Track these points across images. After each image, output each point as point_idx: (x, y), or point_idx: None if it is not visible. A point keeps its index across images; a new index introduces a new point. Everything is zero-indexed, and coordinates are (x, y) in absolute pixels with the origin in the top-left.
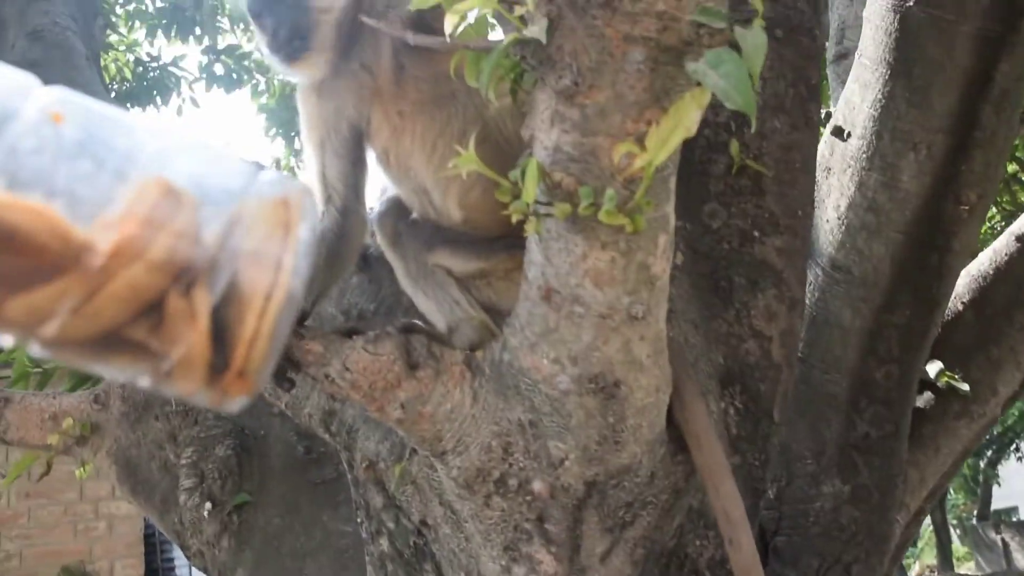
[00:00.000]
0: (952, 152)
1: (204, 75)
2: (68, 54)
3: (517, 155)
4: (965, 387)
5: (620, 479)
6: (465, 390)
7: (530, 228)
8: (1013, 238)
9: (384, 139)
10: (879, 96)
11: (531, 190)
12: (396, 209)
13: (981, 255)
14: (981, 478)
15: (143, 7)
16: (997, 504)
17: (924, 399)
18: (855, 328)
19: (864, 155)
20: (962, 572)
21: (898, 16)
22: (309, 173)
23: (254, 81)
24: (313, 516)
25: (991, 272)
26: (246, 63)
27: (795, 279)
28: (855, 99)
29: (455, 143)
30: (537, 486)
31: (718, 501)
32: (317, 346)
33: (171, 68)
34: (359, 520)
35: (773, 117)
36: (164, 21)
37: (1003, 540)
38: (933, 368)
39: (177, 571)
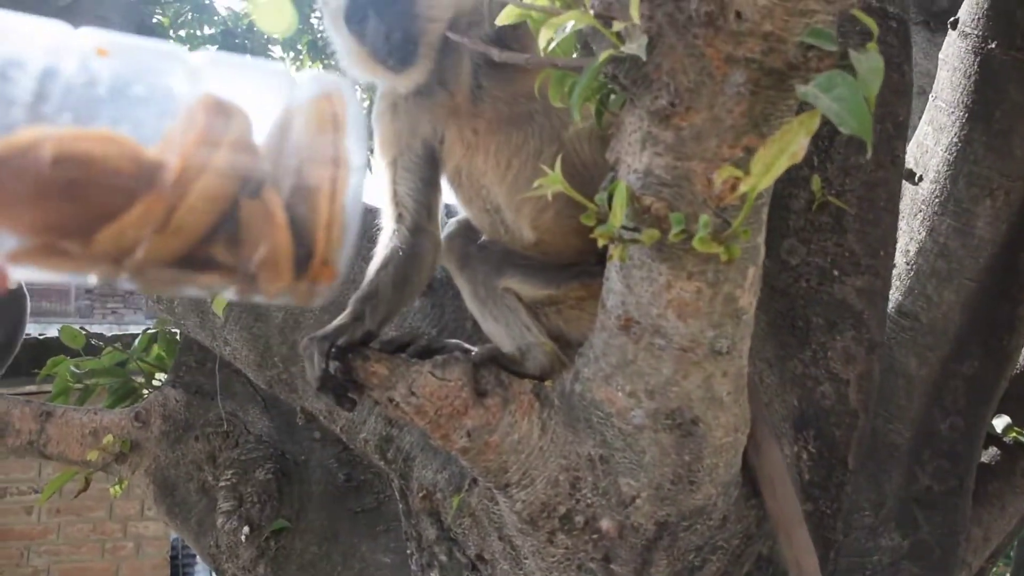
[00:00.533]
0: None
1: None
2: None
3: (593, 179)
4: None
5: (692, 521)
6: (534, 421)
7: (616, 254)
8: None
9: (457, 157)
10: (955, 139)
11: (619, 214)
12: (465, 231)
13: None
14: (1016, 540)
15: (195, 32)
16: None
17: (990, 454)
18: (920, 377)
19: (937, 199)
20: None
21: (979, 59)
22: (381, 194)
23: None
24: (352, 545)
25: None
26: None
27: (875, 321)
28: (928, 142)
29: (531, 162)
30: (605, 524)
31: (790, 551)
32: (383, 368)
33: None
34: (409, 552)
35: (858, 153)
36: (216, 47)
37: None
38: (1001, 422)
39: None
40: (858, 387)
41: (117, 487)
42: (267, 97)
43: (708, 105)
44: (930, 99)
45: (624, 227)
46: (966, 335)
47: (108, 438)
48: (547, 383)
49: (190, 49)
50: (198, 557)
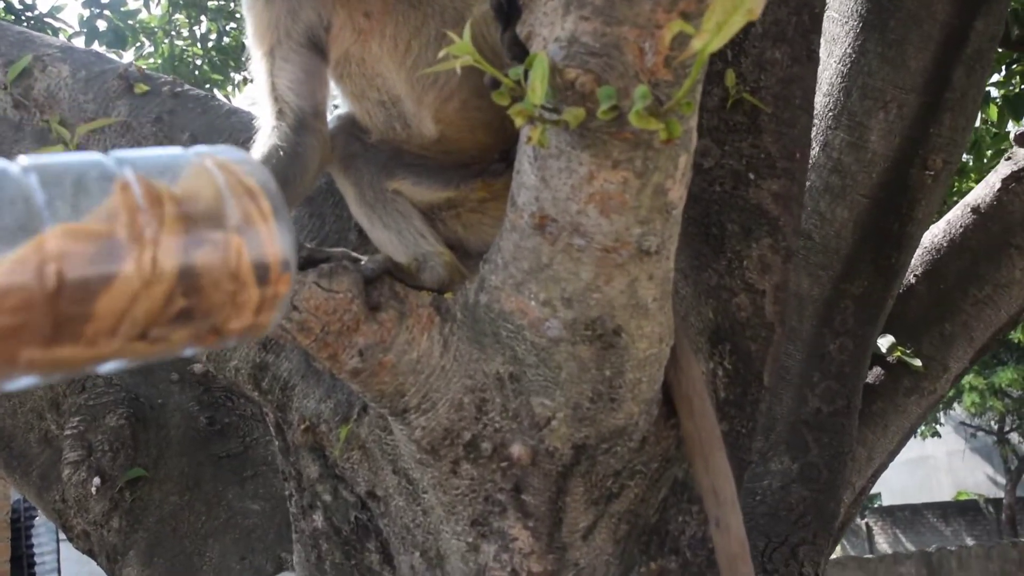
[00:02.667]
0: (922, 113)
1: (85, 29)
2: None
3: (503, 68)
4: (918, 363)
5: (612, 443)
6: (434, 337)
7: (534, 136)
8: (968, 209)
9: (347, 43)
10: (849, 51)
11: (539, 88)
12: (349, 127)
13: (934, 226)
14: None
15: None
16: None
17: (874, 374)
18: (812, 297)
19: (830, 113)
20: (832, 555)
21: None
22: (258, 89)
23: (138, 44)
24: (216, 493)
25: (945, 244)
26: (132, 22)
27: (791, 228)
28: (821, 54)
29: (433, 46)
30: (516, 450)
31: (707, 476)
32: None
33: (48, 19)
34: (288, 493)
35: (773, 47)
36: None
37: (867, 525)
38: (885, 342)
39: (38, 559)
40: (774, 298)
41: None
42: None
43: None
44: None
45: (544, 107)
46: (857, 254)
47: None
48: (448, 295)
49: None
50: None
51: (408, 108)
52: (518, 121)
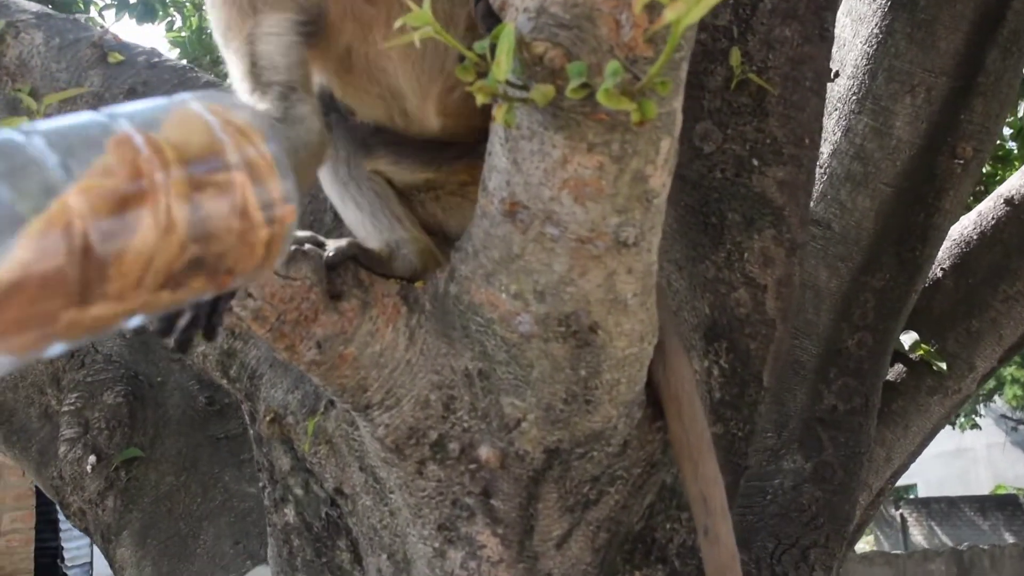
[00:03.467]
0: (952, 98)
1: (115, 1)
2: None
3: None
4: (943, 364)
5: (588, 448)
6: (399, 329)
7: (499, 116)
8: (1001, 200)
9: (347, 36)
10: (875, 31)
11: (504, 63)
12: (327, 100)
13: (964, 218)
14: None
15: None
16: (898, 481)
17: (895, 372)
18: (830, 290)
19: (854, 97)
20: (861, 548)
21: None
22: (233, 78)
23: (170, 18)
24: (213, 475)
25: (975, 237)
26: None
27: (796, 219)
28: (846, 34)
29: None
30: (484, 452)
31: (695, 483)
32: None
33: None
34: (261, 484)
35: (783, 24)
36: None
37: (902, 516)
38: (908, 339)
39: (67, 553)
40: (776, 293)
41: None
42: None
43: None
44: None
45: (510, 83)
46: (879, 245)
47: None
48: (418, 284)
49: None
50: None
51: (411, 102)
52: (479, 98)
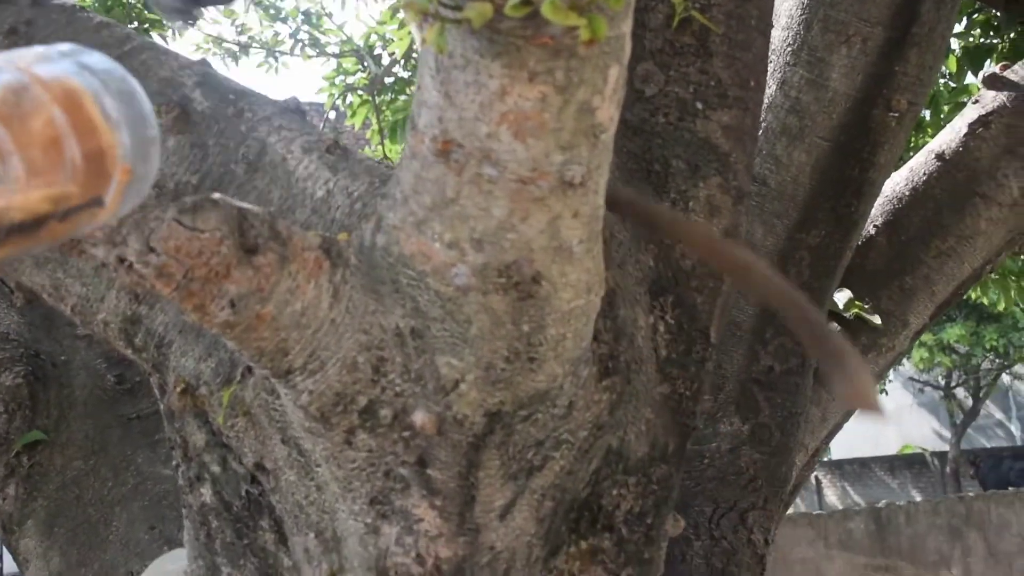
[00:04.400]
0: (887, 49)
1: None
2: None
3: None
4: (877, 320)
5: (532, 410)
6: (322, 285)
7: (430, 39)
8: (933, 156)
9: None
10: None
11: None
12: None
13: (896, 174)
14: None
15: None
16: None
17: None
18: (766, 248)
19: (789, 48)
20: None
21: None
22: None
23: None
24: (124, 457)
25: (907, 193)
26: None
27: (743, 166)
28: None
29: None
30: (419, 418)
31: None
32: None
33: None
34: (175, 463)
35: None
36: None
37: (816, 478)
38: (842, 297)
39: None
40: None
41: None
42: None
43: None
44: None
45: (442, 3)
46: (814, 201)
47: None
48: (342, 236)
49: None
50: None
51: None
52: (410, 17)
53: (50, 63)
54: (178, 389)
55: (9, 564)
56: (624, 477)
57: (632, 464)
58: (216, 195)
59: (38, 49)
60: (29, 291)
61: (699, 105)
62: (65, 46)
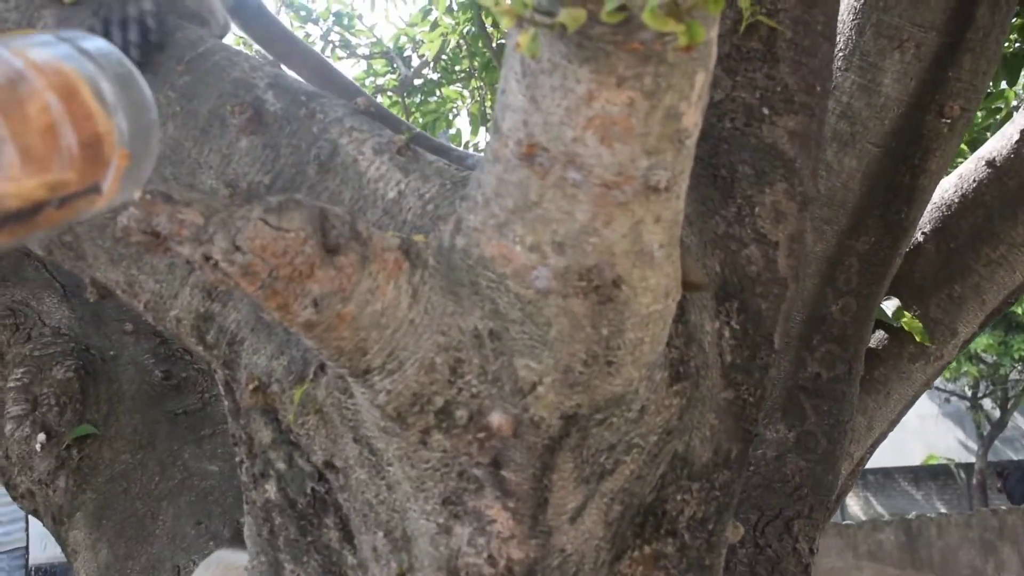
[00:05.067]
0: (941, 55)
1: None
2: None
3: None
4: (927, 340)
5: (608, 413)
6: (402, 286)
7: (523, 44)
8: (983, 163)
9: None
10: None
11: None
12: None
13: (945, 181)
14: None
15: None
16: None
17: (877, 338)
18: (815, 254)
19: (841, 53)
20: None
21: None
22: None
23: None
24: (171, 452)
25: (956, 200)
26: None
27: (808, 171)
28: None
29: None
30: (496, 419)
31: None
32: (195, 215)
33: None
34: (238, 459)
35: None
36: None
37: None
38: (891, 306)
39: None
40: (788, 250)
41: None
42: None
43: None
44: None
45: (537, 8)
46: (864, 207)
47: None
48: (420, 237)
49: None
50: None
51: None
52: (505, 23)
53: (46, 48)
54: (251, 386)
55: (33, 556)
56: (688, 483)
57: (696, 470)
58: (299, 196)
59: (36, 34)
60: (103, 287)
61: (765, 110)
62: (65, 31)
